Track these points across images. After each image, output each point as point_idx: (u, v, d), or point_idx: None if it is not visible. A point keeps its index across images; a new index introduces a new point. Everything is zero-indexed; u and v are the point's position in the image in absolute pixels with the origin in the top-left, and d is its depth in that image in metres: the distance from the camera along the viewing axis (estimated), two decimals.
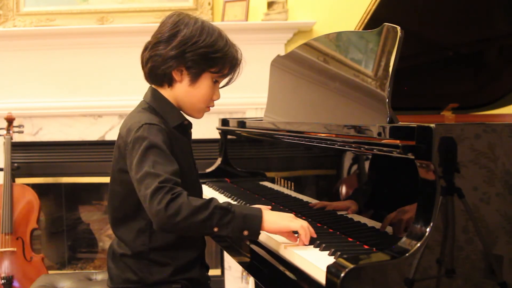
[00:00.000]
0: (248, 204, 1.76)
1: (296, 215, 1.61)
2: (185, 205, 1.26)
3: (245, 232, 1.31)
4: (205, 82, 1.49)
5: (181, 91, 1.50)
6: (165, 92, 1.52)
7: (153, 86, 1.55)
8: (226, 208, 1.29)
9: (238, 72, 1.55)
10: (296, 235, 1.34)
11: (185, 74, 1.48)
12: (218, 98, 1.55)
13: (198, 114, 1.56)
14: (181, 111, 1.54)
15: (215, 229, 1.29)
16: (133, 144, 1.38)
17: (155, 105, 1.51)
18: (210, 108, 1.57)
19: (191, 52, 1.44)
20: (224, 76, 1.53)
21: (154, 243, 1.46)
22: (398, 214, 1.23)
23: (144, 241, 1.46)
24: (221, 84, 1.56)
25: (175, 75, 1.48)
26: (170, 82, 1.50)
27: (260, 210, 1.33)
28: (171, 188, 1.28)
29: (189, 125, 1.57)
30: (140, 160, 1.34)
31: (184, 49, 1.44)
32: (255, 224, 1.31)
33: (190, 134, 1.60)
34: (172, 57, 1.45)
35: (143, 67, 1.52)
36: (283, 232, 1.34)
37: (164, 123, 1.45)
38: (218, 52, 1.46)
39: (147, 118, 1.43)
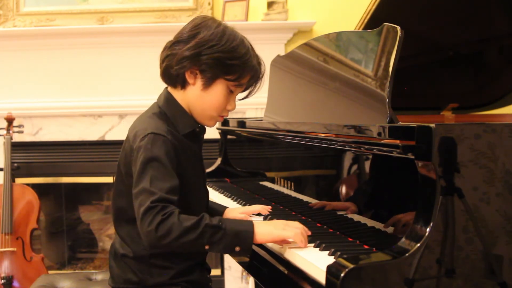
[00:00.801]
0: (248, 205, 1.77)
1: (296, 215, 1.62)
2: (175, 226, 1.25)
3: (237, 248, 1.30)
4: (218, 88, 1.44)
5: (193, 94, 1.46)
6: (178, 94, 1.48)
7: (168, 88, 1.51)
8: (217, 226, 1.28)
9: (260, 85, 1.50)
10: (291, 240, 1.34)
11: (198, 77, 1.44)
12: (233, 108, 1.50)
13: (209, 122, 1.51)
14: (193, 117, 1.50)
15: (206, 247, 1.29)
16: (137, 152, 1.37)
17: (167, 110, 1.47)
18: (223, 117, 1.52)
19: (207, 55, 1.40)
20: (242, 86, 1.48)
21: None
22: (398, 214, 1.22)
23: (145, 245, 1.45)
24: (240, 96, 1.51)
25: (188, 77, 1.44)
26: (183, 83, 1.46)
27: (251, 225, 1.32)
28: (163, 207, 1.27)
29: (202, 131, 1.53)
30: (139, 174, 1.33)
31: (200, 51, 1.40)
32: (247, 239, 1.30)
33: (202, 139, 1.56)
34: (186, 57, 1.41)
35: (160, 66, 1.49)
36: (276, 241, 1.34)
37: (173, 131, 1.42)
38: (235, 60, 1.42)
39: (155, 126, 1.40)
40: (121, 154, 1.49)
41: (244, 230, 1.31)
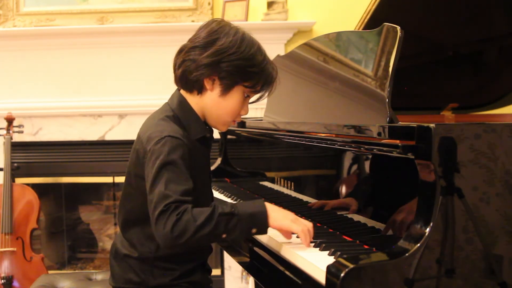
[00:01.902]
0: None
1: (296, 215, 1.61)
2: (190, 223, 1.25)
3: (253, 230, 1.31)
4: (236, 95, 1.45)
5: (210, 100, 1.45)
6: (193, 99, 1.47)
7: (180, 91, 1.50)
8: (230, 213, 1.29)
9: (272, 89, 1.50)
10: (293, 234, 1.35)
11: (217, 84, 1.43)
12: (246, 113, 1.51)
13: (223, 127, 1.53)
14: (205, 123, 1.50)
15: (224, 236, 1.29)
16: (151, 154, 1.35)
17: (180, 114, 1.46)
18: (236, 122, 1.53)
19: (227, 62, 1.40)
20: (256, 92, 1.49)
21: (160, 252, 1.44)
22: (398, 214, 1.22)
23: (151, 248, 1.45)
24: (250, 100, 1.52)
25: (207, 83, 1.43)
26: (200, 89, 1.45)
27: (263, 205, 1.33)
28: (176, 207, 1.26)
29: (211, 137, 1.54)
30: (155, 177, 1.32)
31: (220, 58, 1.40)
32: (262, 220, 1.31)
33: (211, 144, 1.56)
34: (206, 64, 1.40)
35: (174, 71, 1.47)
36: (283, 230, 1.34)
37: (186, 135, 1.42)
38: (254, 67, 1.42)
39: (171, 129, 1.39)
40: (131, 156, 1.48)
41: (258, 211, 1.31)
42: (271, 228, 1.35)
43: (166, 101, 1.53)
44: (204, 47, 1.41)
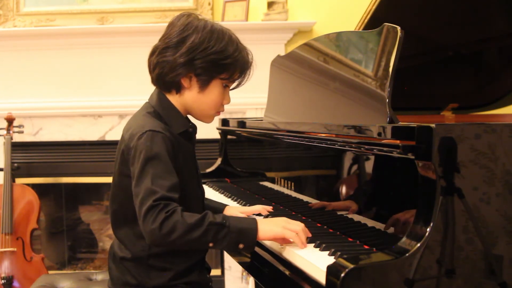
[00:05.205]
0: (248, 205, 1.77)
1: (296, 215, 1.61)
2: (179, 223, 1.25)
3: (240, 246, 1.31)
4: (214, 88, 1.46)
5: (190, 98, 1.46)
6: (173, 98, 1.48)
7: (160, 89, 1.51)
8: (220, 223, 1.29)
9: (249, 75, 1.51)
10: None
11: (194, 81, 1.44)
12: (229, 102, 1.52)
13: (208, 119, 1.54)
14: (186, 117, 1.51)
15: (210, 244, 1.30)
16: (135, 150, 1.36)
17: (160, 110, 1.47)
18: (221, 112, 1.54)
19: (201, 59, 1.41)
20: (235, 81, 1.50)
21: (154, 249, 1.44)
22: (398, 214, 1.22)
23: (144, 246, 1.44)
24: (231, 87, 1.53)
25: (184, 82, 1.44)
26: (178, 89, 1.46)
27: (255, 222, 1.33)
28: (165, 205, 1.27)
29: (194, 131, 1.54)
30: (140, 173, 1.32)
31: (193, 56, 1.40)
32: (250, 237, 1.31)
33: (195, 139, 1.57)
34: (180, 64, 1.41)
35: (150, 72, 1.48)
36: (277, 238, 1.34)
37: (168, 129, 1.42)
38: (228, 58, 1.43)
39: (152, 124, 1.40)
40: (116, 156, 1.48)
41: (248, 228, 1.31)
42: (267, 240, 1.35)
43: None
44: (176, 47, 1.42)
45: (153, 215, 1.26)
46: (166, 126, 1.43)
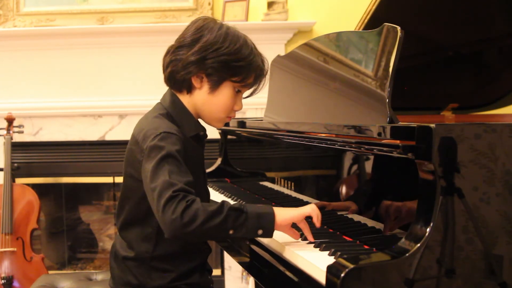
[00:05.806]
0: None
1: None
2: (200, 211, 1.24)
3: (260, 231, 1.30)
4: (225, 90, 1.45)
5: (200, 98, 1.46)
6: (184, 98, 1.47)
7: (172, 90, 1.50)
8: (239, 209, 1.28)
9: (264, 83, 1.50)
10: (299, 232, 1.35)
11: (205, 81, 1.43)
12: (240, 108, 1.51)
13: (218, 123, 1.52)
14: (198, 121, 1.50)
15: (231, 232, 1.28)
16: (149, 151, 1.34)
17: (173, 112, 1.46)
18: (231, 118, 1.53)
19: (212, 58, 1.40)
20: (248, 86, 1.49)
21: (157, 252, 1.44)
22: (398, 214, 1.22)
23: (148, 248, 1.44)
24: (245, 95, 1.52)
25: (195, 81, 1.44)
26: (189, 88, 1.45)
27: (271, 207, 1.33)
28: (185, 195, 1.25)
29: (205, 135, 1.53)
30: (156, 169, 1.30)
31: (205, 55, 1.40)
32: (269, 222, 1.30)
33: (204, 143, 1.56)
34: (192, 62, 1.40)
35: (163, 71, 1.48)
36: (295, 221, 1.34)
37: (180, 131, 1.42)
38: (241, 61, 1.42)
39: (166, 126, 1.39)
40: (126, 158, 1.47)
41: (265, 212, 1.31)
42: (282, 227, 1.34)
43: None
44: (190, 46, 1.42)
45: (173, 204, 1.23)
46: (178, 128, 1.43)
